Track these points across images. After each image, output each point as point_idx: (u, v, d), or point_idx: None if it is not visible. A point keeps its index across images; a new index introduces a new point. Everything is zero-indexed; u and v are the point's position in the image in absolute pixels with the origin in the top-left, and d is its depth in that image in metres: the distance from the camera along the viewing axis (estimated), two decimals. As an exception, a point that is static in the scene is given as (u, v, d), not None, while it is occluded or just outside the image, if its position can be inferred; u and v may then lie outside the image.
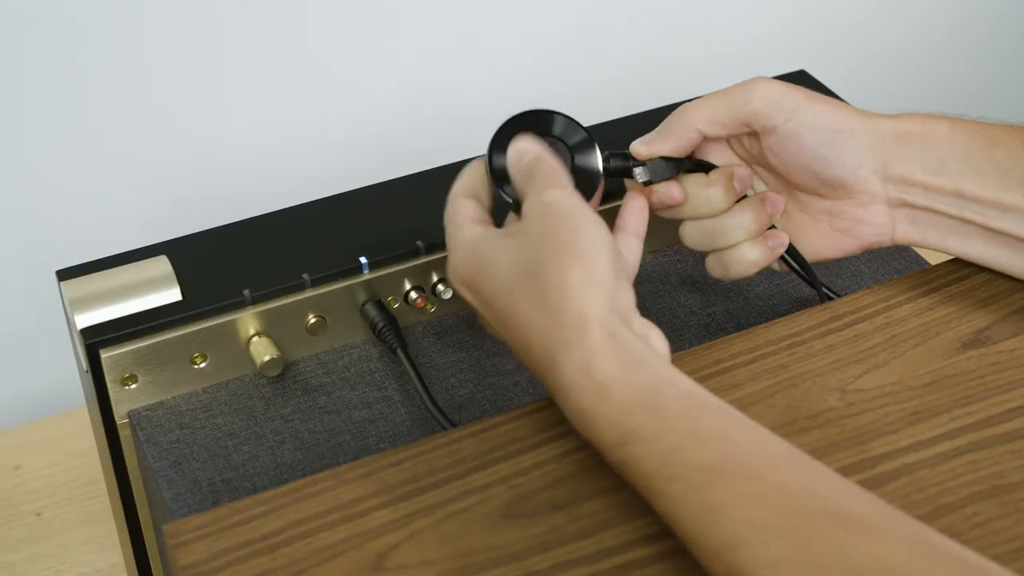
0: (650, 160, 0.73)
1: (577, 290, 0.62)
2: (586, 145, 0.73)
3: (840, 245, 0.75)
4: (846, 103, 0.73)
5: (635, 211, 0.72)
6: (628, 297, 0.64)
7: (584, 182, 0.72)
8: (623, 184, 0.75)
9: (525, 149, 0.69)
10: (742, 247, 0.74)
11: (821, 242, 0.75)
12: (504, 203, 0.71)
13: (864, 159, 0.72)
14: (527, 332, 0.63)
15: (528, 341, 0.63)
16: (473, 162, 0.72)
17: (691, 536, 0.57)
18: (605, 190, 0.73)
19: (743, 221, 0.73)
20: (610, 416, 0.60)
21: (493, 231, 0.68)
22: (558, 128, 0.73)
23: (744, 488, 0.57)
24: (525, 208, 0.66)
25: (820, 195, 0.74)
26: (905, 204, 0.73)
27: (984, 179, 0.71)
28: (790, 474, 0.57)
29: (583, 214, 0.64)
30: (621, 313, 0.63)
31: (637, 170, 0.73)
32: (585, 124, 0.74)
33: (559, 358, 0.61)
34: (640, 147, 0.73)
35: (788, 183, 0.75)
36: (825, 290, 0.78)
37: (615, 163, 0.73)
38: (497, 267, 0.65)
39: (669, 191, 0.73)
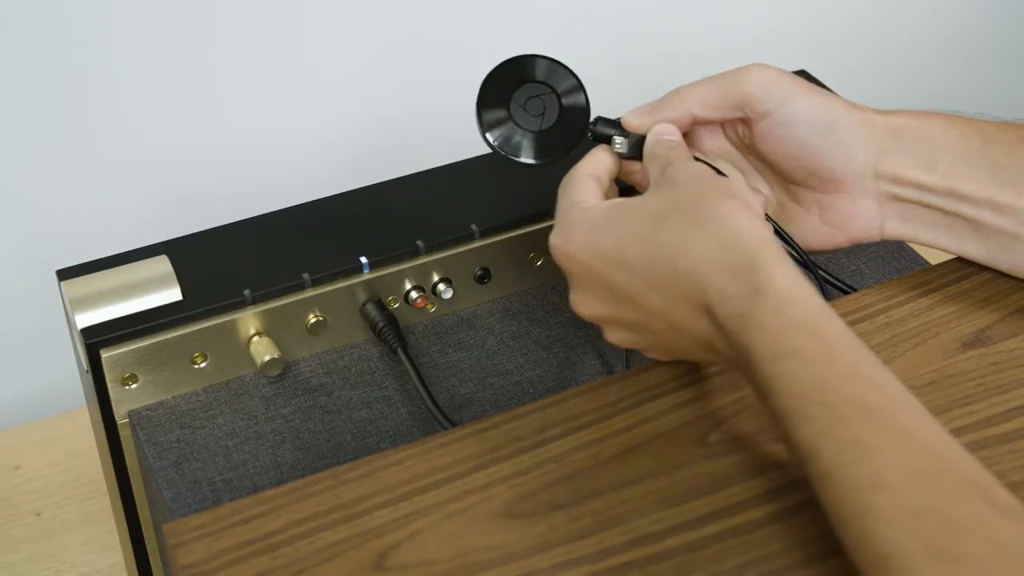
0: (634, 134, 0.73)
1: (745, 217, 0.63)
2: (575, 91, 0.75)
3: (829, 238, 0.75)
4: (842, 98, 0.73)
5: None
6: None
7: (571, 125, 0.75)
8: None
9: (670, 130, 0.72)
10: None
11: (811, 235, 0.76)
12: (490, 143, 0.74)
13: (856, 153, 0.72)
14: (687, 254, 0.63)
15: (684, 264, 0.63)
16: (597, 148, 0.73)
17: (826, 468, 0.57)
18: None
19: None
20: (779, 328, 0.60)
21: (624, 198, 0.69)
22: (546, 74, 0.75)
23: (897, 436, 0.56)
24: (671, 172, 0.68)
25: (810, 188, 0.74)
26: (896, 199, 0.73)
27: (979, 176, 0.71)
28: (940, 439, 0.57)
29: (723, 176, 0.68)
30: (773, 248, 0.63)
31: (618, 139, 0.74)
32: (508, 59, 0.75)
33: (736, 268, 0.62)
34: (632, 119, 0.74)
35: (779, 173, 0.75)
36: (821, 272, 0.78)
37: (601, 128, 0.74)
38: (644, 208, 0.66)
39: (643, 179, 0.74)
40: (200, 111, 1.11)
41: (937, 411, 0.68)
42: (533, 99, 0.74)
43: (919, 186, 0.72)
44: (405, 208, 0.82)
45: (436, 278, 0.80)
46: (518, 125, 0.74)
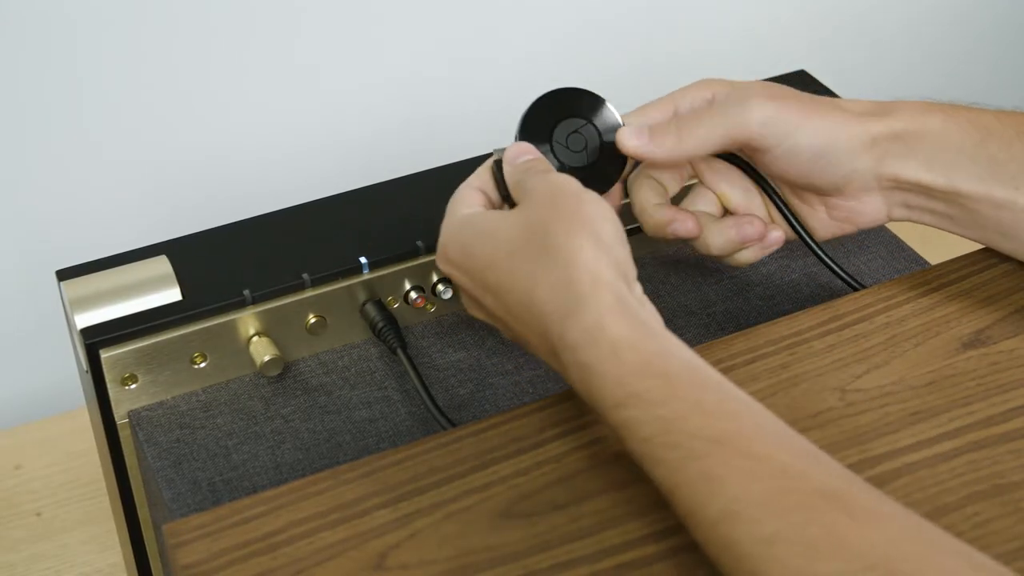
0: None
1: (587, 252, 0.62)
2: (616, 128, 0.74)
3: (839, 229, 0.76)
4: (840, 104, 0.73)
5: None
6: (632, 266, 0.65)
7: (614, 161, 0.74)
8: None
9: (525, 150, 0.71)
10: (735, 255, 0.76)
11: (819, 227, 0.76)
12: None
13: (858, 164, 0.73)
14: (532, 292, 0.63)
15: (531, 301, 0.63)
16: (490, 159, 0.72)
17: (687, 507, 0.57)
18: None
19: (740, 246, 0.75)
20: (617, 376, 0.60)
21: (492, 211, 0.69)
22: (588, 108, 0.74)
23: (744, 463, 0.56)
24: (529, 187, 0.67)
25: (815, 192, 0.75)
26: (899, 192, 0.74)
27: (977, 173, 0.72)
28: (790, 454, 0.57)
29: (584, 190, 0.66)
30: (626, 279, 0.63)
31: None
32: (550, 91, 0.74)
33: (570, 314, 0.61)
34: (632, 149, 0.73)
35: (784, 181, 0.75)
36: (835, 266, 0.78)
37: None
38: (499, 233, 0.66)
39: (685, 223, 0.74)
40: (200, 111, 1.11)
41: (937, 411, 0.68)
42: (574, 134, 0.74)
43: (919, 185, 0.73)
44: (405, 208, 0.82)
45: (436, 278, 0.80)
46: (561, 162, 0.73)
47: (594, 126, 0.74)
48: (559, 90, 0.74)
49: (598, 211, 0.64)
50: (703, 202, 0.77)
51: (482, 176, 0.71)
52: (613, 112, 0.74)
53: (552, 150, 0.73)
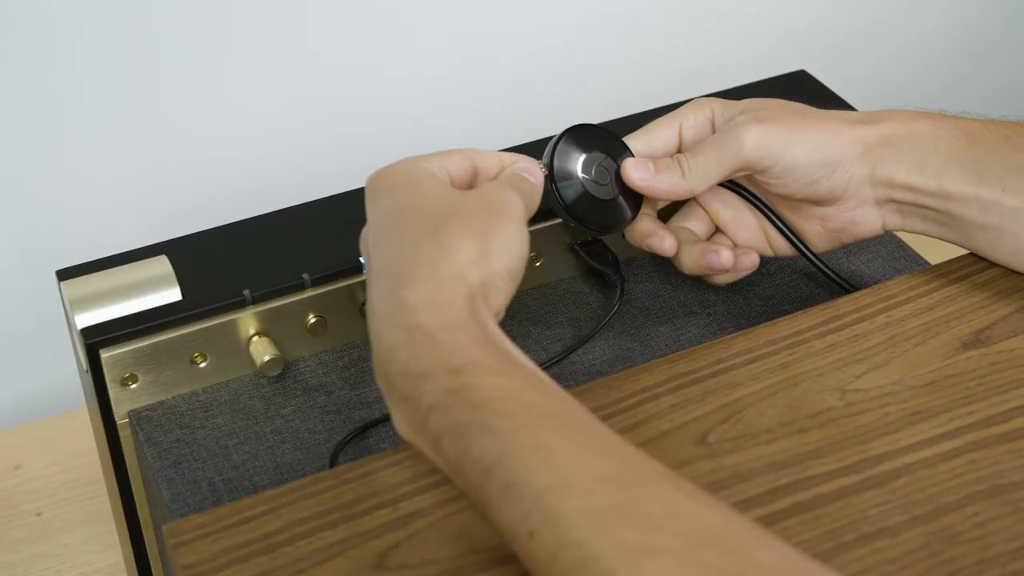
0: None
1: (466, 256, 0.62)
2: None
3: (836, 239, 0.78)
4: (830, 115, 0.75)
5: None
6: (502, 302, 0.64)
7: (634, 193, 0.75)
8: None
9: (530, 168, 0.71)
10: (709, 276, 0.78)
11: (815, 240, 0.78)
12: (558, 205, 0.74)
13: (855, 170, 0.74)
14: (403, 251, 0.63)
15: (397, 256, 0.63)
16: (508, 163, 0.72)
17: (511, 477, 0.55)
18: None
19: (709, 271, 0.77)
20: (457, 343, 0.59)
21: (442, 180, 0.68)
22: (609, 144, 0.75)
23: (581, 439, 0.56)
24: (491, 185, 0.68)
25: (811, 204, 0.76)
26: (892, 200, 0.75)
27: (964, 176, 0.73)
28: (621, 441, 0.57)
29: (521, 220, 0.66)
30: (487, 301, 0.63)
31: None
32: (581, 124, 0.75)
33: (423, 281, 0.61)
34: (636, 181, 0.75)
35: (786, 196, 0.76)
36: (829, 272, 0.79)
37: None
38: (432, 192, 0.65)
39: (662, 241, 0.76)
40: (200, 111, 1.11)
41: (937, 411, 0.68)
42: (599, 167, 0.74)
43: (911, 188, 0.74)
44: (405, 208, 0.82)
45: (436, 278, 0.80)
46: (589, 192, 0.74)
47: (615, 162, 0.75)
48: (584, 126, 0.75)
49: (511, 241, 0.64)
50: (693, 218, 0.79)
51: (454, 159, 0.70)
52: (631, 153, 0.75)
53: (582, 181, 0.74)
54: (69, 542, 1.02)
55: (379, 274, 0.64)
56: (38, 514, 1.04)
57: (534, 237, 0.81)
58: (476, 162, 0.70)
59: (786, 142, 0.73)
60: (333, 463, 0.72)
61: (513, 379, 0.59)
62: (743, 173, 0.75)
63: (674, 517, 0.53)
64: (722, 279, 0.78)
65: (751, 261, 0.77)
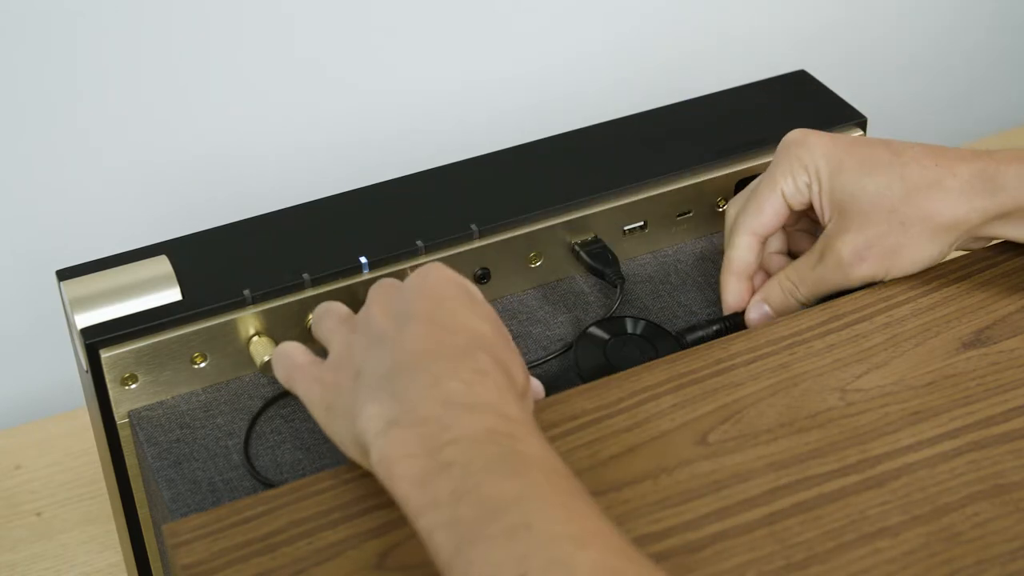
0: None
1: (411, 337, 0.62)
2: (662, 335, 0.76)
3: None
4: (937, 186, 0.73)
5: None
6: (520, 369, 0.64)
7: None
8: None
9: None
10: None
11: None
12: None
13: (960, 240, 0.75)
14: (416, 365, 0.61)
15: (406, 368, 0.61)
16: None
17: (525, 520, 0.54)
18: None
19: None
20: (520, 406, 0.60)
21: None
22: (634, 328, 0.77)
23: (605, 524, 0.56)
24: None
25: None
26: (983, 241, 0.77)
27: None
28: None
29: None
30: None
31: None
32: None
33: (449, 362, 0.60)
34: (733, 300, 0.78)
35: None
36: None
37: (693, 336, 0.77)
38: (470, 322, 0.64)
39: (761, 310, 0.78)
40: (199, 111, 1.11)
41: (937, 411, 0.68)
42: (628, 347, 0.76)
43: (1009, 240, 0.75)
44: (405, 208, 0.82)
45: (436, 278, 0.80)
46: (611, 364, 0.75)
47: (649, 341, 0.76)
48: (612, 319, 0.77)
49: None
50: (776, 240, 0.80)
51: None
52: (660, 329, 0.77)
53: (607, 359, 0.75)
54: (69, 542, 1.02)
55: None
56: (38, 514, 1.04)
57: (533, 237, 0.81)
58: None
59: (890, 266, 0.74)
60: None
61: (556, 458, 0.58)
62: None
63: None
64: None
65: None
